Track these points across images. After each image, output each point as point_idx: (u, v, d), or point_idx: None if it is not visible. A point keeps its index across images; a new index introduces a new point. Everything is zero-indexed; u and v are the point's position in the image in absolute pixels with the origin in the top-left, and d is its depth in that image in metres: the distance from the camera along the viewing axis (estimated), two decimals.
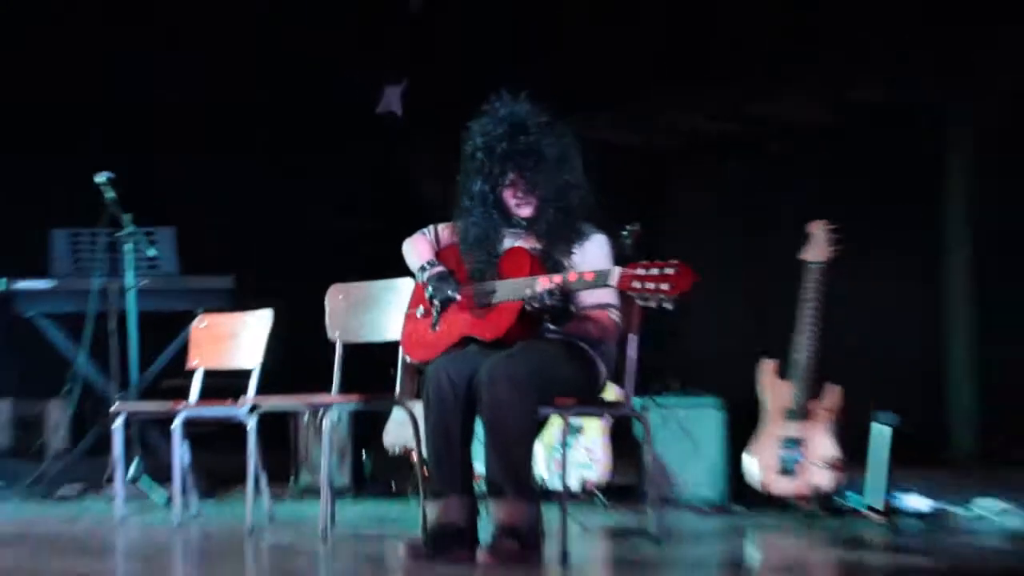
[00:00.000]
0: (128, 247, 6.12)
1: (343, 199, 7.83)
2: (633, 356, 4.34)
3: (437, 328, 4.25)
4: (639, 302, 3.83)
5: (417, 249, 4.47)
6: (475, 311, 4.20)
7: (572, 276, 3.97)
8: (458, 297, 4.21)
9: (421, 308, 4.36)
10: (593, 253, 4.28)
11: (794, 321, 5.38)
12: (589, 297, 4.14)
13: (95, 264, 6.39)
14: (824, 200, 6.56)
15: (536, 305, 3.97)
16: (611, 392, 4.91)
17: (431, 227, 4.55)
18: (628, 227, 5.38)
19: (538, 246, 4.24)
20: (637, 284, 3.76)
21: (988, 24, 6.32)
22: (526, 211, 4.28)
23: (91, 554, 4.41)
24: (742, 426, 5.58)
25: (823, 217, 5.45)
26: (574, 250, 4.26)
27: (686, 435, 5.69)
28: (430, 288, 4.25)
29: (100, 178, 6.00)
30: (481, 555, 3.95)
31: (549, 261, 4.20)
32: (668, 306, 3.75)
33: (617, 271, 3.83)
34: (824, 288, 5.36)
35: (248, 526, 4.86)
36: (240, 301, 6.08)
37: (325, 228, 7.67)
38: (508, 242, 4.31)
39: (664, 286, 3.71)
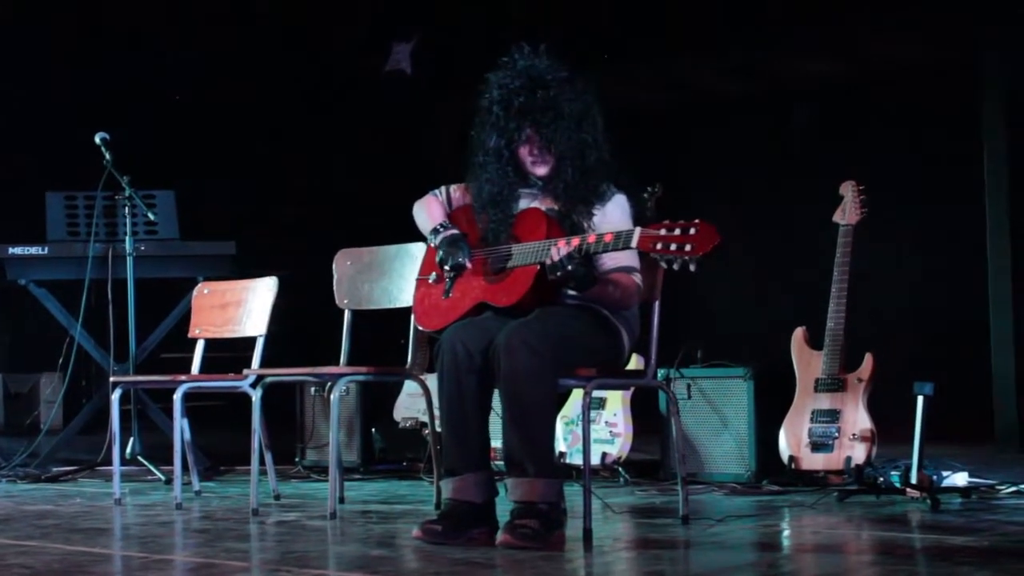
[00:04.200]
0: (126, 211, 6.11)
1: (350, 159, 7.81)
2: (656, 324, 4.33)
3: (450, 295, 4.24)
4: (662, 264, 3.84)
5: (428, 211, 4.45)
6: (489, 276, 4.20)
7: (591, 238, 3.97)
8: (469, 263, 4.21)
9: (434, 274, 4.34)
10: (613, 214, 4.27)
11: (825, 288, 5.34)
12: (609, 260, 4.14)
13: (92, 229, 6.34)
14: (855, 161, 6.47)
15: (556, 272, 3.96)
16: (634, 362, 4.89)
17: (443, 188, 4.53)
18: (649, 188, 5.39)
19: (555, 207, 4.24)
20: (659, 245, 3.76)
21: None
22: (542, 170, 4.28)
23: (87, 535, 4.38)
24: (772, 398, 5.58)
25: (854, 177, 5.40)
26: (594, 211, 4.25)
27: (712, 408, 5.62)
28: (441, 253, 4.24)
29: (98, 138, 6.01)
30: (499, 536, 3.91)
31: (567, 222, 4.20)
32: (692, 267, 3.75)
33: (638, 231, 3.84)
34: (855, 252, 5.32)
35: (253, 505, 4.86)
36: (243, 268, 6.09)
37: (331, 190, 7.68)
38: (524, 203, 4.30)
39: (687, 246, 3.72)
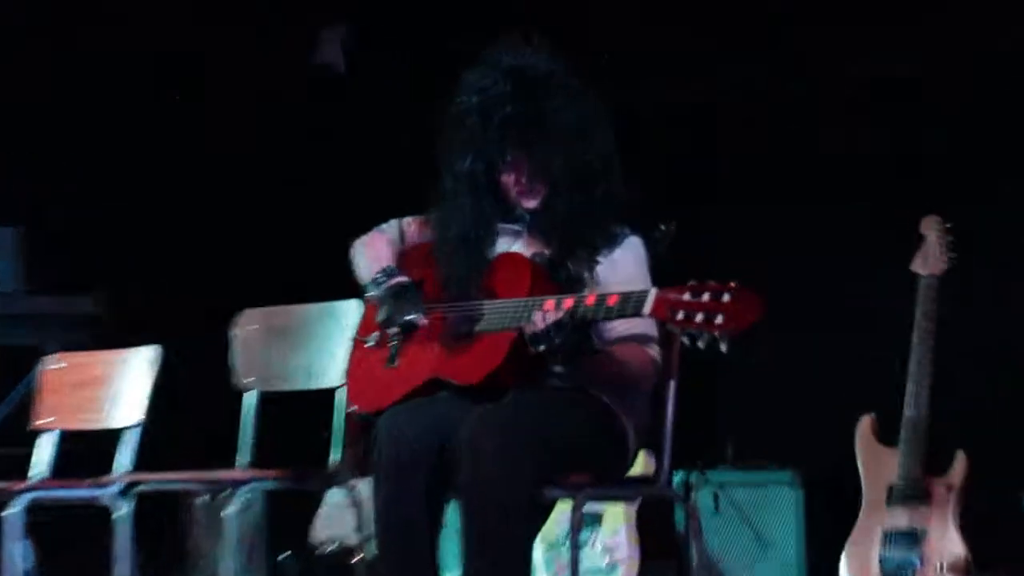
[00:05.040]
0: None
1: (257, 188, 7.42)
2: (671, 411, 4.12)
3: (396, 364, 3.98)
4: (683, 339, 3.60)
5: (372, 251, 4.22)
6: (450, 342, 3.99)
7: (589, 299, 3.75)
8: (424, 321, 3.95)
9: (375, 336, 4.07)
10: (624, 264, 4.04)
11: (900, 360, 5.10)
12: (618, 325, 3.93)
13: None
14: (939, 191, 6.03)
15: (539, 344, 3.74)
16: (641, 463, 4.66)
17: (394, 222, 4.32)
18: (662, 226, 5.03)
19: (546, 251, 4.03)
20: (680, 314, 3.51)
21: None
22: (532, 202, 4.05)
23: None
24: (829, 512, 5.51)
25: (940, 210, 5.17)
26: (598, 258, 4.02)
27: (749, 525, 5.58)
28: (384, 308, 3.99)
29: None
30: None
31: (560, 273, 4.00)
32: (723, 346, 3.48)
33: (653, 294, 3.61)
34: (941, 312, 5.08)
35: None
36: (110, 333, 5.84)
37: (232, 231, 7.32)
38: (503, 244, 4.10)
39: (718, 318, 3.45)
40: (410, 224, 4.28)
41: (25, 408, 5.48)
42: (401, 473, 3.82)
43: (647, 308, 3.61)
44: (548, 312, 3.74)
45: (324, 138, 7.69)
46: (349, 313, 4.66)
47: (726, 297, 3.48)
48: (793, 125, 6.77)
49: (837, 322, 6.37)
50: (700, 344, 3.52)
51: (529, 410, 3.83)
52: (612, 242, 4.06)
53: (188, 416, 5.88)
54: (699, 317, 3.48)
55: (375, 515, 3.92)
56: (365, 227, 4.28)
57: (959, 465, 4.98)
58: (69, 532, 5.79)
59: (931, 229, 5.14)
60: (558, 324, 3.72)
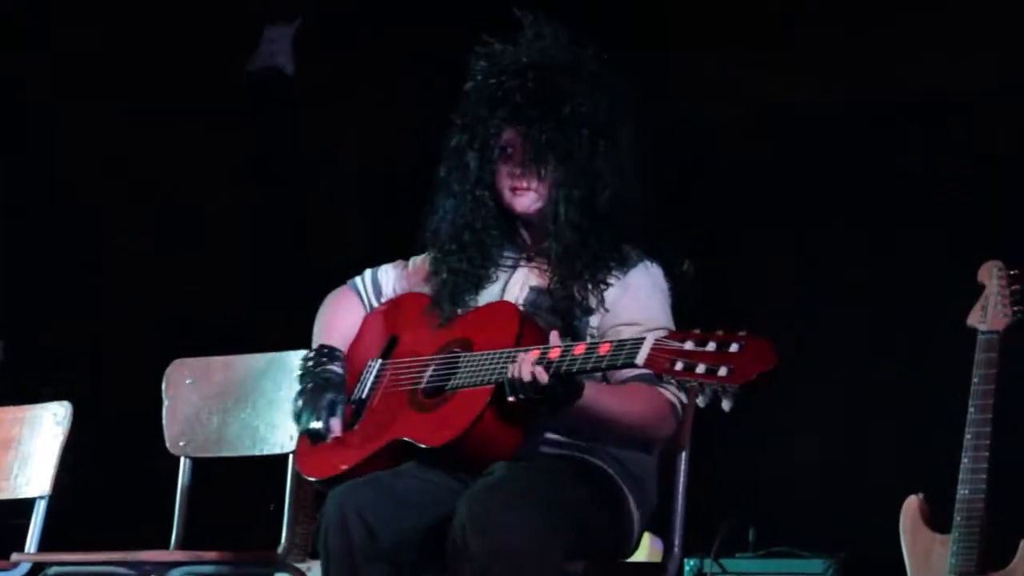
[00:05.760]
0: None
1: (189, 215, 7.24)
2: (682, 487, 4.04)
3: (356, 428, 3.97)
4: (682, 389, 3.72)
5: (326, 316, 4.22)
6: (419, 401, 3.89)
7: (578, 348, 3.63)
8: (333, 433, 3.92)
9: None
10: (637, 293, 3.94)
11: (953, 431, 4.90)
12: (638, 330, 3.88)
13: None
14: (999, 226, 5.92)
15: (517, 392, 3.63)
16: (645, 548, 4.71)
17: (368, 272, 4.25)
18: (684, 265, 4.77)
19: (545, 284, 3.96)
20: (680, 364, 3.38)
21: None
22: (525, 202, 3.94)
23: None
24: None
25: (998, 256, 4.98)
26: (609, 280, 3.91)
27: None
28: (296, 403, 3.99)
29: None
30: None
31: (561, 302, 3.93)
32: (725, 404, 3.33)
33: (649, 341, 3.49)
34: (1003, 374, 4.86)
35: None
36: (13, 385, 5.72)
37: (160, 260, 7.17)
38: (500, 278, 4.06)
39: (722, 370, 3.32)
40: (387, 272, 4.20)
41: None
42: (352, 559, 3.70)
43: (641, 358, 3.47)
44: (525, 362, 3.62)
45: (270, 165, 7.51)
46: (296, 365, 4.39)
47: (734, 347, 3.36)
48: (832, 147, 6.51)
49: (880, 385, 6.17)
50: (700, 401, 3.39)
51: (533, 478, 3.72)
52: (625, 263, 3.95)
53: (110, 484, 5.77)
54: (701, 367, 3.35)
55: None
56: (323, 266, 4.16)
57: (1022, 557, 4.80)
58: None
59: (991, 277, 4.90)
60: (534, 381, 3.60)
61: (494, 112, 3.92)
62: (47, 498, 4.94)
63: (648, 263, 3.96)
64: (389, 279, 4.20)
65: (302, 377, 4.04)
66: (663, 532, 4.06)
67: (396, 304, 4.16)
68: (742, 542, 5.54)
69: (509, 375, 3.65)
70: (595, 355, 3.58)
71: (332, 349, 4.06)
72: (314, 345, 4.13)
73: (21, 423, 5.12)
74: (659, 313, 3.86)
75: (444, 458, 3.76)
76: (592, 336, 3.88)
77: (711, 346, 3.37)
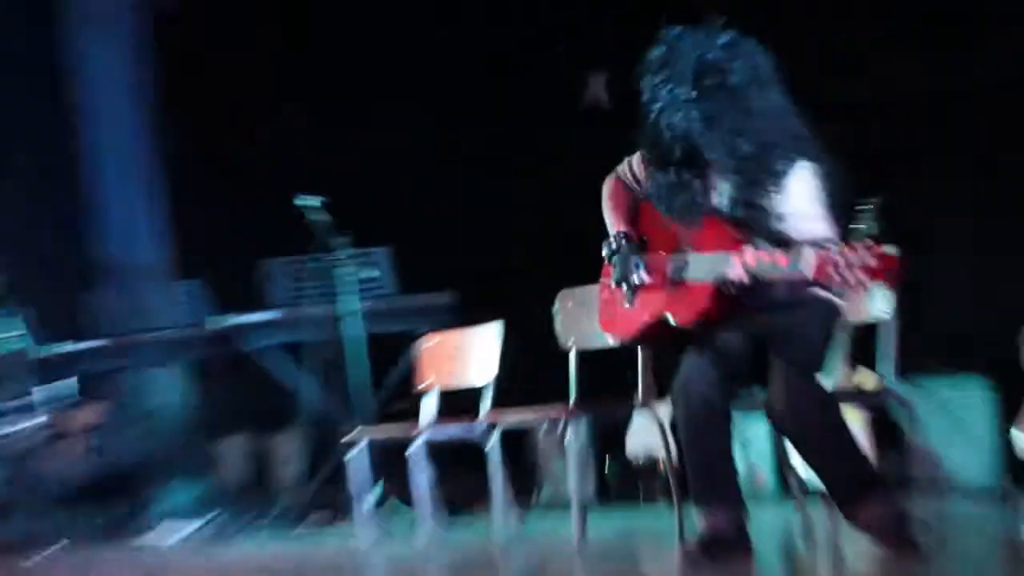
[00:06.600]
0: (345, 271, 6.64)
1: (566, 195, 7.00)
2: (892, 335, 4.37)
3: (632, 304, 4.27)
4: (833, 294, 3.94)
5: (609, 204, 4.48)
6: (670, 287, 4.19)
7: (763, 257, 3.87)
8: (646, 280, 4.20)
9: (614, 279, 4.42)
10: (796, 192, 4.13)
11: None
12: (803, 225, 4.04)
13: (313, 291, 6.91)
14: None
15: (730, 291, 3.98)
16: (868, 378, 5.04)
17: (626, 162, 4.50)
18: (866, 203, 5.33)
19: (732, 192, 4.19)
20: (835, 274, 3.62)
21: None
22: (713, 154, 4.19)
23: None
24: (1015, 404, 5.50)
25: None
26: (772, 189, 4.12)
27: (954, 420, 5.72)
28: (615, 271, 4.28)
29: (305, 201, 6.42)
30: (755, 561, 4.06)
31: (744, 209, 4.13)
32: (862, 293, 3.83)
33: (811, 255, 3.69)
34: None
35: (497, 544, 5.19)
36: (463, 317, 6.29)
37: (544, 229, 7.58)
38: (707, 193, 4.26)
39: (864, 277, 3.58)
40: (635, 162, 4.38)
41: (407, 377, 6.02)
42: (703, 416, 4.05)
43: (807, 266, 3.64)
44: (735, 269, 3.86)
45: None
46: None
47: (871, 260, 3.52)
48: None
49: (1011, 250, 6.25)
50: (842, 299, 3.88)
51: (795, 343, 4.01)
52: (785, 172, 4.07)
53: (528, 370, 5.91)
54: (850, 276, 3.53)
55: (685, 443, 4.10)
56: None
57: None
58: (454, 462, 6.05)
59: None
60: (740, 284, 3.89)
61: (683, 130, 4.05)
62: (493, 381, 5.32)
63: (800, 164, 4.07)
64: (637, 165, 4.37)
65: (611, 252, 4.24)
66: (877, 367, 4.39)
67: (643, 209, 4.31)
68: (931, 368, 5.55)
69: (724, 277, 3.92)
70: (774, 264, 3.78)
71: (621, 234, 4.25)
72: (611, 231, 4.32)
73: (473, 336, 5.56)
74: (811, 212, 3.98)
75: (688, 329, 4.07)
76: (774, 235, 3.98)
77: (855, 256, 3.54)
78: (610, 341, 4.46)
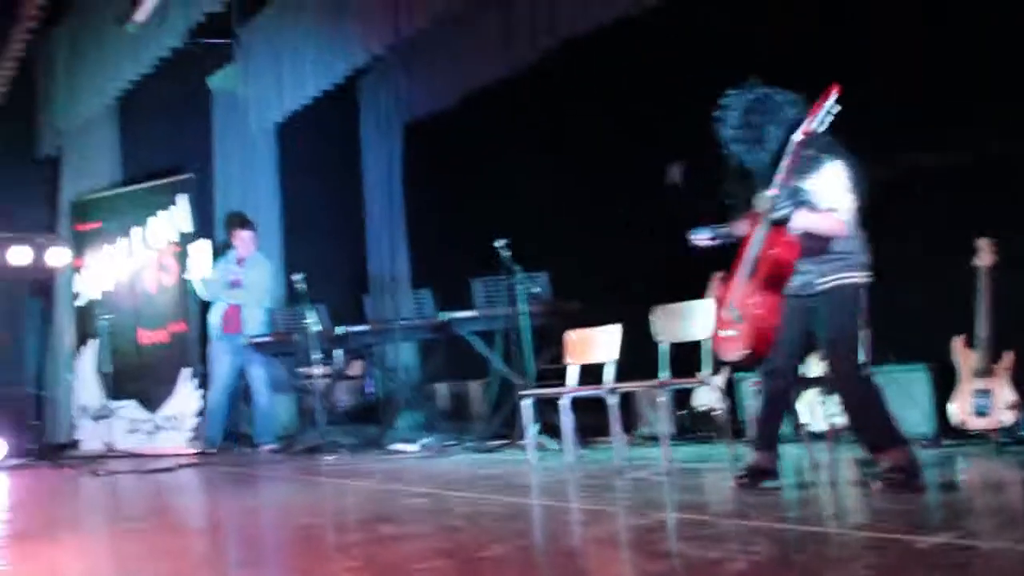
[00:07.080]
0: (520, 286, 6.67)
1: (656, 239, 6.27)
2: (867, 331, 4.00)
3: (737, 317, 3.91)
4: None
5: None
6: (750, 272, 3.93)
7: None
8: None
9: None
10: (828, 185, 3.85)
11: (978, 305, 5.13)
12: (821, 202, 3.84)
13: (501, 298, 6.96)
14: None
15: (774, 215, 3.78)
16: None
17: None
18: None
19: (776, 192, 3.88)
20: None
21: None
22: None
23: (515, 487, 4.52)
24: (944, 382, 5.45)
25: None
26: (807, 183, 3.85)
27: (905, 393, 5.52)
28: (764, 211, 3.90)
29: (498, 242, 6.51)
30: (875, 487, 3.77)
31: (784, 200, 3.85)
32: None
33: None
34: (993, 287, 5.09)
35: (616, 465, 5.08)
36: (594, 319, 5.93)
37: (647, 260, 7.00)
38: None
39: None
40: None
41: (558, 354, 5.78)
42: (780, 392, 4.02)
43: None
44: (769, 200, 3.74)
45: None
46: (698, 307, 4.94)
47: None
48: None
49: (954, 282, 5.40)
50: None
51: (843, 328, 3.77)
52: (817, 167, 3.78)
53: (635, 355, 5.42)
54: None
55: (762, 405, 3.98)
56: None
57: (1008, 357, 5.00)
58: (586, 410, 5.71)
59: (986, 246, 4.88)
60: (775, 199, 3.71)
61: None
62: (613, 361, 5.28)
63: (831, 161, 3.79)
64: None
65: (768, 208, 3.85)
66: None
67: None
68: (888, 358, 5.27)
69: (767, 207, 3.76)
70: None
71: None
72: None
73: (599, 333, 5.35)
74: (843, 200, 3.75)
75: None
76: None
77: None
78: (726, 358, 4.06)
